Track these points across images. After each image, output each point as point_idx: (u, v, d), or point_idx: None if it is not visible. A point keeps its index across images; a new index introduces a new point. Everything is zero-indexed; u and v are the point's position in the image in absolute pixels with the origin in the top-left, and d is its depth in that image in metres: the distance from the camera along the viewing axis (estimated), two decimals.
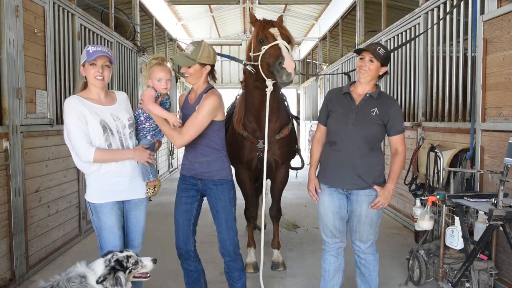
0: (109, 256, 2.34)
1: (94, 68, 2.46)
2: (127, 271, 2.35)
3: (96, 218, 2.54)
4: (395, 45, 5.90)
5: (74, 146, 2.42)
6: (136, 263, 2.39)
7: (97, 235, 2.59)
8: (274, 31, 3.02)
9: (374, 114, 2.63)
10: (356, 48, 2.65)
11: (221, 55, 3.67)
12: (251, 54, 3.13)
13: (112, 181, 2.52)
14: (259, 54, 2.99)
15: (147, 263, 2.45)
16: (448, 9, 4.42)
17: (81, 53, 2.60)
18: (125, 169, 2.56)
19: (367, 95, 2.66)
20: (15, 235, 3.55)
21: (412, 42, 5.34)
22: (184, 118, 2.65)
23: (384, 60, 2.62)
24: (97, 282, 2.23)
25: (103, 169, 2.51)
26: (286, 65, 2.80)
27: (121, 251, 2.40)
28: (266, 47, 2.95)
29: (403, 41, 5.63)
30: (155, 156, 2.68)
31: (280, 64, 2.82)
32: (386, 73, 2.73)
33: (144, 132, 2.66)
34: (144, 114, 2.65)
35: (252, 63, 3.10)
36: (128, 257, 2.37)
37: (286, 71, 2.80)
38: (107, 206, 2.52)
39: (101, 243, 2.57)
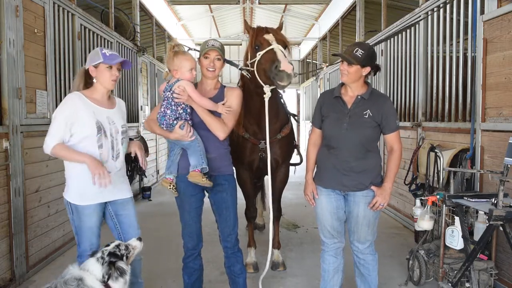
0: (99, 254, 2.34)
1: (111, 71, 2.54)
2: (124, 257, 2.38)
3: (76, 218, 2.56)
4: (395, 46, 5.91)
5: (47, 135, 2.48)
6: (126, 248, 2.43)
7: (75, 233, 2.61)
8: (269, 36, 3.02)
9: (367, 116, 2.61)
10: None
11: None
12: (248, 62, 3.15)
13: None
14: (255, 61, 3.00)
15: (135, 244, 2.51)
16: (448, 9, 4.42)
17: (83, 53, 2.62)
18: (110, 172, 2.55)
19: (359, 97, 2.64)
20: (15, 235, 3.55)
21: (412, 42, 5.35)
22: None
23: (365, 61, 2.56)
24: (105, 283, 2.25)
25: (88, 173, 2.47)
26: (284, 66, 2.80)
27: (107, 245, 2.40)
28: (261, 52, 2.96)
29: (403, 41, 5.63)
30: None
31: (277, 68, 2.82)
32: (377, 69, 2.69)
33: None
34: (188, 107, 2.66)
35: (248, 68, 3.12)
36: (117, 246, 2.40)
37: (286, 72, 2.80)
38: (90, 208, 2.54)
39: (79, 241, 2.59)
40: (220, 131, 2.66)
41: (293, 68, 2.83)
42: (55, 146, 2.45)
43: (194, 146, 2.64)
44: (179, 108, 2.62)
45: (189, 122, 2.66)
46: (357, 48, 2.56)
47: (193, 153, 2.64)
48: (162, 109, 2.65)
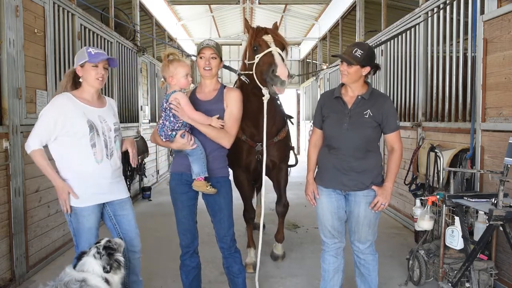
0: (93, 251, 2.33)
1: (96, 70, 2.53)
2: (118, 251, 2.40)
3: (74, 220, 2.56)
4: (395, 46, 5.91)
5: (31, 133, 2.48)
6: (115, 243, 2.45)
7: (73, 235, 2.61)
8: (268, 38, 3.02)
9: (367, 116, 2.62)
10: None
11: None
12: (246, 62, 3.14)
13: (92, 184, 2.52)
14: (254, 63, 3.00)
15: (120, 241, 2.52)
16: (448, 9, 4.42)
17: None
18: (106, 171, 2.57)
19: (359, 97, 2.65)
20: (15, 235, 3.55)
21: (412, 42, 5.35)
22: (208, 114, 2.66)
23: (364, 61, 2.56)
24: (107, 272, 2.27)
25: (84, 173, 2.51)
26: (279, 72, 2.80)
27: (98, 242, 2.39)
28: (260, 55, 2.96)
29: (403, 41, 5.63)
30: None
31: (273, 72, 2.82)
32: (377, 68, 2.69)
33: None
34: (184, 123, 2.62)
35: (246, 72, 3.11)
36: (109, 241, 2.40)
37: (280, 79, 2.80)
38: (88, 210, 2.54)
39: (77, 242, 2.60)
40: (223, 139, 2.65)
41: (289, 73, 2.83)
42: (36, 150, 2.47)
43: (196, 154, 2.63)
44: (178, 121, 2.61)
45: (189, 131, 2.65)
46: (356, 49, 2.57)
47: (195, 161, 2.63)
48: (161, 121, 2.65)
